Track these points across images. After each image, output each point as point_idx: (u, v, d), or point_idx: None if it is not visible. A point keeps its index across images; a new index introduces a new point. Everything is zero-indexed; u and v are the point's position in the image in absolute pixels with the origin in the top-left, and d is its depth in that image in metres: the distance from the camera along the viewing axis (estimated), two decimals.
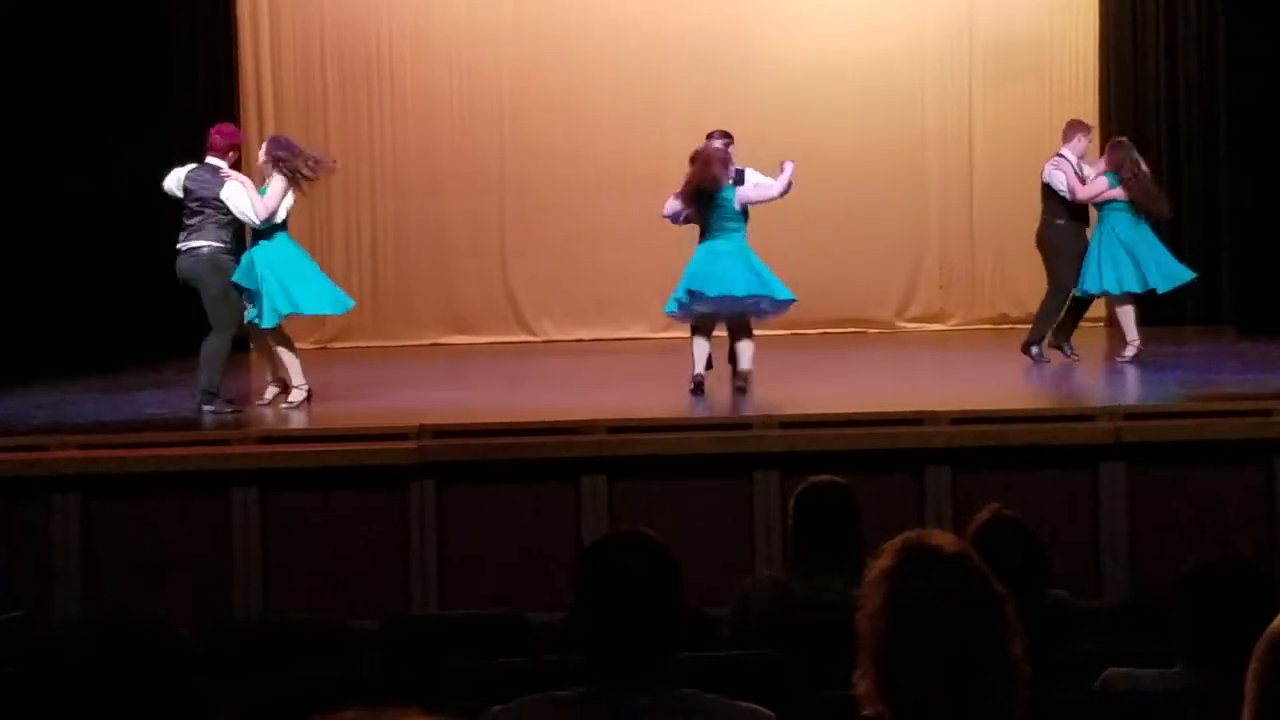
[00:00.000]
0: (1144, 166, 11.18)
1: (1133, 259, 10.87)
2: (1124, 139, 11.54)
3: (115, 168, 10.28)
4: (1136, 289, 10.94)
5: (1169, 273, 11.07)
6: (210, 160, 9.75)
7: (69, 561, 7.90)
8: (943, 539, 2.62)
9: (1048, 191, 11.10)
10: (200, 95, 14.06)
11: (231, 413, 9.57)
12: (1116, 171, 10.94)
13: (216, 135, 9.90)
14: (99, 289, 11.26)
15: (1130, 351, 10.87)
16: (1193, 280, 11.37)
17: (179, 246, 9.66)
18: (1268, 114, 13.14)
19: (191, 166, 9.76)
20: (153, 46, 13.63)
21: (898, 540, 2.60)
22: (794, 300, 10.01)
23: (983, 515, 4.62)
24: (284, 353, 9.86)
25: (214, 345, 9.61)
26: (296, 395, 9.76)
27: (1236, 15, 13.71)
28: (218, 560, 7.91)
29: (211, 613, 7.64)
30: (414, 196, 14.81)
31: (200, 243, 9.63)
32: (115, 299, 10.78)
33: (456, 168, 14.75)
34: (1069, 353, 11.09)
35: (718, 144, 10.16)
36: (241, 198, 9.60)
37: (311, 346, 14.41)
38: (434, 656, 4.87)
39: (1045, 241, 11.17)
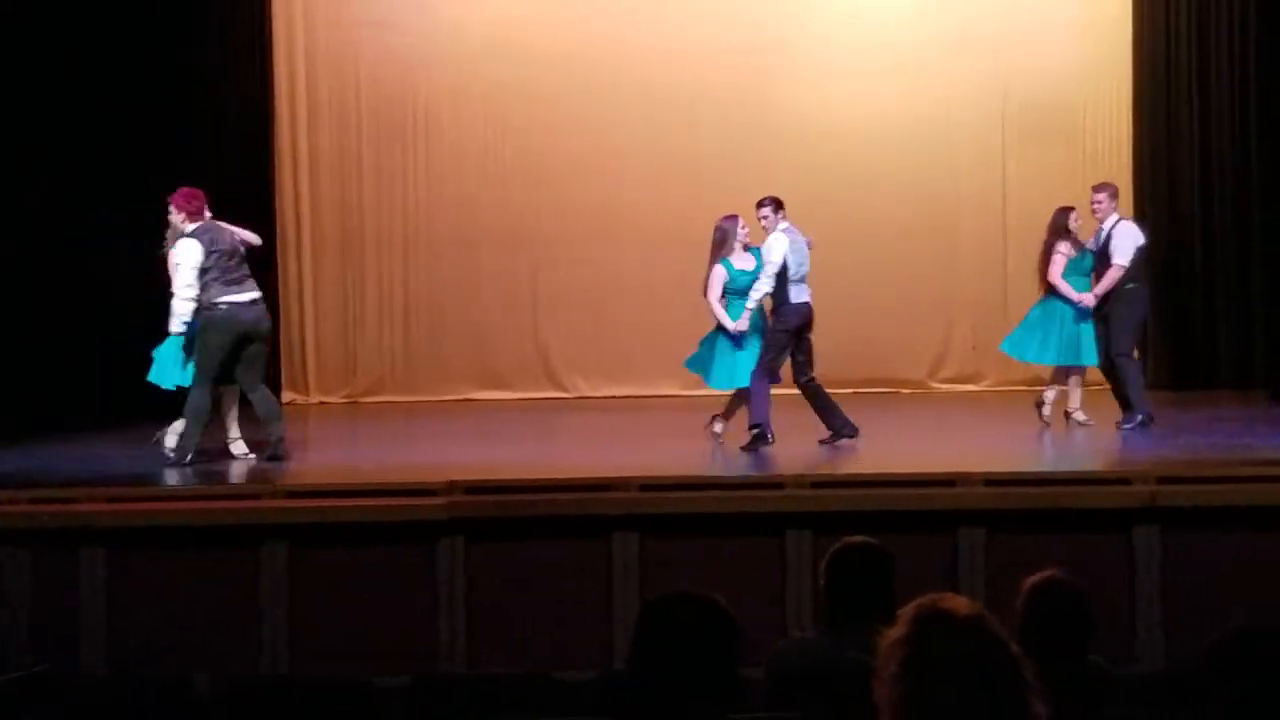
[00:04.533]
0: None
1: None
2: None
3: (145, 229, 10.36)
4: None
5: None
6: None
7: (95, 615, 7.86)
8: (957, 603, 2.59)
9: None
10: (235, 154, 14.13)
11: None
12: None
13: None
14: (131, 344, 11.25)
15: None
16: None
17: (247, 298, 9.74)
18: None
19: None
20: (187, 101, 13.70)
21: (912, 606, 2.58)
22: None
23: (1039, 575, 4.58)
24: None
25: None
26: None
27: (1270, 78, 13.67)
28: (245, 615, 7.87)
29: (238, 668, 7.60)
30: (447, 253, 14.85)
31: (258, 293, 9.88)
32: (144, 355, 10.76)
33: (490, 224, 14.80)
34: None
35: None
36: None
37: (342, 400, 14.44)
38: (461, 715, 4.83)
39: None
